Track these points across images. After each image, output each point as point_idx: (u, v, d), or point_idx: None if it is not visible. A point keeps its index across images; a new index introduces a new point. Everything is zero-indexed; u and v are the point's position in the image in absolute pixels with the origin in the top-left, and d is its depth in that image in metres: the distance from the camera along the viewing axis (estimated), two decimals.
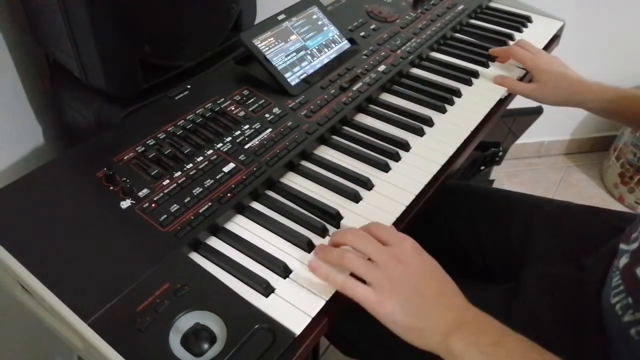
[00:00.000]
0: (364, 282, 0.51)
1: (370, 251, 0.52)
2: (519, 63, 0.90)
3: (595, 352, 0.59)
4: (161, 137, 0.65)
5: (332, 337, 0.84)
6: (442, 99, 0.81)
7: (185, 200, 0.58)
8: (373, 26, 0.92)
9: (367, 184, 0.66)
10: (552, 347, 0.62)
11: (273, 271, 0.54)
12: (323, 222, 0.60)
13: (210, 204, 0.58)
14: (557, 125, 1.91)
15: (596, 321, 0.60)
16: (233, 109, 0.71)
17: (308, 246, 0.57)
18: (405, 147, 0.72)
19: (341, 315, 0.53)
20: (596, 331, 0.60)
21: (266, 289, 0.52)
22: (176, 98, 0.72)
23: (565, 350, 0.61)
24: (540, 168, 1.97)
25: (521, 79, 0.90)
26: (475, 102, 0.83)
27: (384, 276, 0.50)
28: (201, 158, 0.64)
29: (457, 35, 1.00)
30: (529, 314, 0.66)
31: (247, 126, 0.69)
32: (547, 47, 1.00)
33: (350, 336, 0.76)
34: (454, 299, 0.51)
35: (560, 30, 1.05)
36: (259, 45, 0.75)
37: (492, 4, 1.10)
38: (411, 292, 0.49)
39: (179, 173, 0.61)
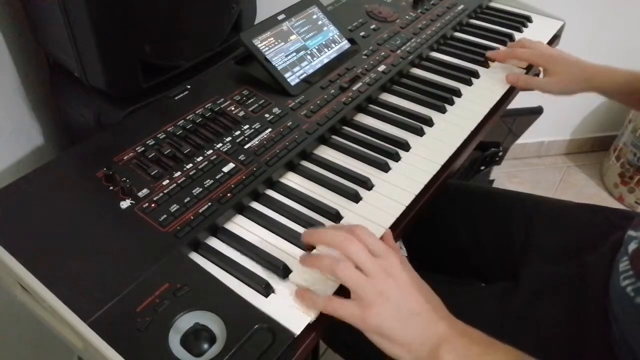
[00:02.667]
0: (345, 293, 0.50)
1: (361, 260, 0.50)
2: (527, 63, 0.89)
3: (598, 349, 0.59)
4: (161, 137, 0.65)
5: (332, 342, 0.83)
6: (442, 99, 0.81)
7: (185, 201, 0.58)
8: (373, 26, 0.92)
9: (367, 184, 0.66)
10: (552, 345, 0.62)
11: (273, 271, 0.54)
12: (323, 222, 0.60)
13: (210, 204, 0.58)
14: (557, 125, 1.91)
15: (598, 318, 0.60)
16: (233, 109, 0.71)
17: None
18: (405, 147, 0.72)
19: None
20: (598, 328, 0.60)
21: (266, 289, 0.52)
22: (176, 98, 0.72)
23: (567, 348, 0.61)
24: (540, 168, 1.97)
25: None
26: (475, 102, 0.83)
27: (373, 289, 0.48)
28: (201, 158, 0.64)
29: (457, 35, 1.00)
30: (529, 312, 0.66)
31: (246, 126, 0.69)
32: None
33: (351, 339, 0.76)
34: (441, 313, 0.51)
35: (560, 30, 1.05)
36: (259, 45, 0.75)
37: (492, 4, 1.10)
38: (399, 306, 0.48)
39: (179, 173, 0.61)
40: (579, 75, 0.83)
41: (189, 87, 0.73)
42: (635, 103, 0.83)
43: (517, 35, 1.00)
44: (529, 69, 0.91)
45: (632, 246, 0.58)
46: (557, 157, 2.02)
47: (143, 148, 0.63)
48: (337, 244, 0.51)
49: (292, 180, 0.66)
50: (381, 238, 0.58)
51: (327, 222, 0.60)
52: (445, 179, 0.70)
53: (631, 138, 1.74)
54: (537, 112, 1.47)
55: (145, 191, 0.58)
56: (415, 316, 0.49)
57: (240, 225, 0.60)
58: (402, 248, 1.39)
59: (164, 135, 0.66)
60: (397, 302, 0.48)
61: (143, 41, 0.72)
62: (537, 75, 0.88)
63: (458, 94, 0.83)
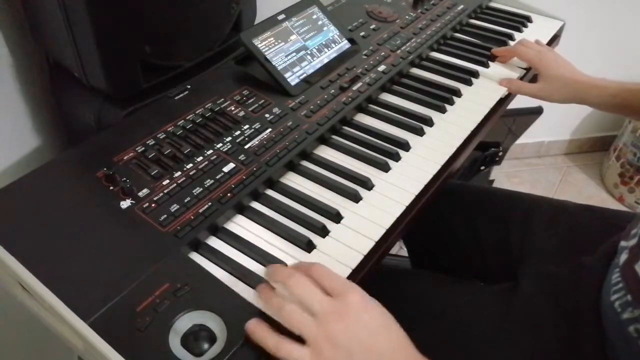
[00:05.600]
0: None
1: (309, 301, 0.46)
2: (524, 62, 0.90)
3: (593, 351, 0.59)
4: (161, 137, 0.65)
5: None
6: (442, 99, 0.81)
7: (185, 200, 0.58)
8: (373, 26, 0.92)
9: (367, 184, 0.66)
10: (550, 346, 0.62)
11: None
12: (323, 222, 0.60)
13: (210, 204, 0.58)
14: (557, 125, 1.91)
15: (594, 320, 0.60)
16: (233, 109, 0.71)
17: (308, 246, 0.57)
18: (405, 147, 0.72)
19: None
20: (594, 330, 0.60)
21: None
22: (176, 98, 0.72)
23: (564, 349, 0.61)
24: (540, 168, 1.97)
25: (521, 78, 0.90)
26: (475, 102, 0.83)
27: (322, 335, 0.44)
28: (201, 158, 0.64)
29: (457, 35, 1.00)
30: (527, 313, 0.66)
31: (247, 126, 0.69)
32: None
33: None
34: (404, 353, 0.47)
35: (560, 30, 1.05)
36: (259, 45, 0.75)
37: (492, 4, 1.10)
38: (353, 353, 0.44)
39: (179, 173, 0.61)
40: (570, 88, 0.83)
41: (189, 87, 0.73)
42: (628, 113, 0.84)
43: (517, 35, 1.00)
44: (529, 69, 0.91)
45: (623, 257, 0.58)
46: (557, 157, 2.02)
47: (143, 148, 0.63)
48: (286, 283, 0.47)
49: (292, 180, 0.66)
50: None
51: (328, 222, 0.60)
52: (446, 179, 0.70)
53: (631, 138, 1.74)
54: (537, 112, 1.47)
55: (145, 191, 0.58)
56: None
57: (240, 225, 0.60)
58: (402, 248, 1.39)
59: (164, 135, 0.66)
60: (348, 348, 0.44)
61: (143, 41, 0.72)
62: (535, 78, 0.88)
63: (458, 94, 0.83)
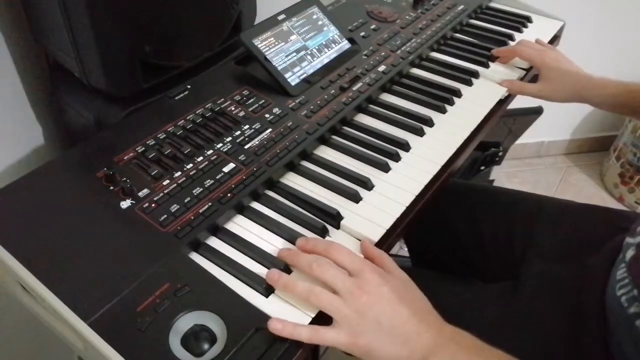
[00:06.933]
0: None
1: (332, 283, 0.49)
2: (526, 62, 0.90)
3: (595, 350, 0.59)
4: (161, 137, 0.65)
5: None
6: (442, 99, 0.81)
7: (186, 201, 0.58)
8: (373, 26, 0.92)
9: (367, 184, 0.66)
10: (552, 345, 0.62)
11: None
12: (323, 222, 0.60)
13: (210, 204, 0.58)
14: (557, 125, 1.91)
15: (597, 319, 0.60)
16: (233, 109, 0.71)
17: None
18: (405, 147, 0.72)
19: None
20: (597, 329, 0.60)
21: (266, 289, 0.52)
22: (176, 98, 0.72)
23: (565, 349, 0.61)
24: (540, 168, 1.97)
25: (522, 79, 0.90)
26: (475, 102, 0.83)
27: (350, 310, 0.48)
28: (201, 158, 0.64)
29: (457, 35, 1.00)
30: (529, 312, 0.66)
31: (247, 126, 0.69)
32: None
33: None
34: (428, 318, 0.50)
35: (560, 30, 1.05)
36: (259, 45, 0.75)
37: (492, 4, 1.10)
38: (381, 322, 0.48)
39: (179, 173, 0.61)
40: (571, 87, 0.84)
41: (189, 87, 0.73)
42: (629, 113, 0.84)
43: (517, 36, 1.00)
44: (529, 70, 0.91)
45: (629, 253, 0.58)
46: (557, 157, 2.02)
47: (143, 148, 0.63)
48: (307, 269, 0.51)
49: (292, 180, 0.66)
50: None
51: (327, 223, 0.60)
52: (446, 179, 0.70)
53: (631, 138, 1.74)
54: (537, 112, 1.47)
55: (145, 191, 0.58)
56: (398, 329, 0.48)
57: (240, 225, 0.60)
58: (402, 248, 1.39)
59: (164, 135, 0.66)
60: (376, 318, 0.48)
61: (143, 41, 0.72)
62: (536, 78, 0.88)
63: (458, 94, 0.83)
